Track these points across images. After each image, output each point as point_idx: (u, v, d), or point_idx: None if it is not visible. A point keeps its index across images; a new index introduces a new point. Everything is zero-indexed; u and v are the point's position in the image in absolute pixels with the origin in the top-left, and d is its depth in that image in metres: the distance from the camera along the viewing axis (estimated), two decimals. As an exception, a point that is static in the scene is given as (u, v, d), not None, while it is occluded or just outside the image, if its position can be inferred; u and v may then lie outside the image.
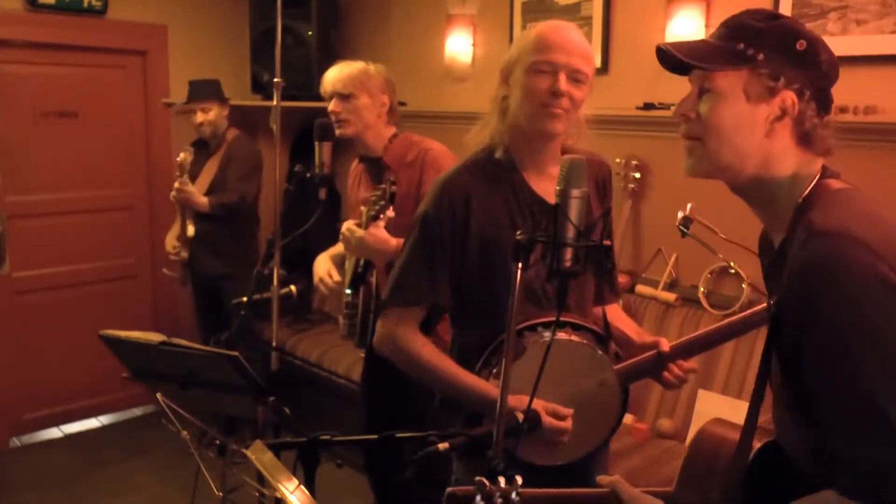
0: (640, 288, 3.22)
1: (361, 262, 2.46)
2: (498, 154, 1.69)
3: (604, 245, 1.25)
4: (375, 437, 1.39)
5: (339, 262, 2.67)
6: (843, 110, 2.59)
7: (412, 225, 1.72)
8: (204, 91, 3.73)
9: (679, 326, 3.04)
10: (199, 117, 3.72)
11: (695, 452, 1.30)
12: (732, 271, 2.92)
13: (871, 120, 2.57)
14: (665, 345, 1.69)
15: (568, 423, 1.56)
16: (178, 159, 3.55)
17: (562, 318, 1.61)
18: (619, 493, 1.23)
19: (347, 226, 2.30)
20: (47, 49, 3.98)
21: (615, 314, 1.87)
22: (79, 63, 4.13)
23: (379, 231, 2.19)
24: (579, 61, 1.62)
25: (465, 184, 1.68)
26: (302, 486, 1.21)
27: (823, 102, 1.14)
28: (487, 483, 1.06)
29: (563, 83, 1.60)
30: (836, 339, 1.02)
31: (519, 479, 1.07)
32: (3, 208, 3.87)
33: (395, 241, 2.21)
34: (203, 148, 3.81)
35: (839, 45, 2.66)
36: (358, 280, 2.48)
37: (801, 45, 1.12)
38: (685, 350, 1.70)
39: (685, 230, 2.61)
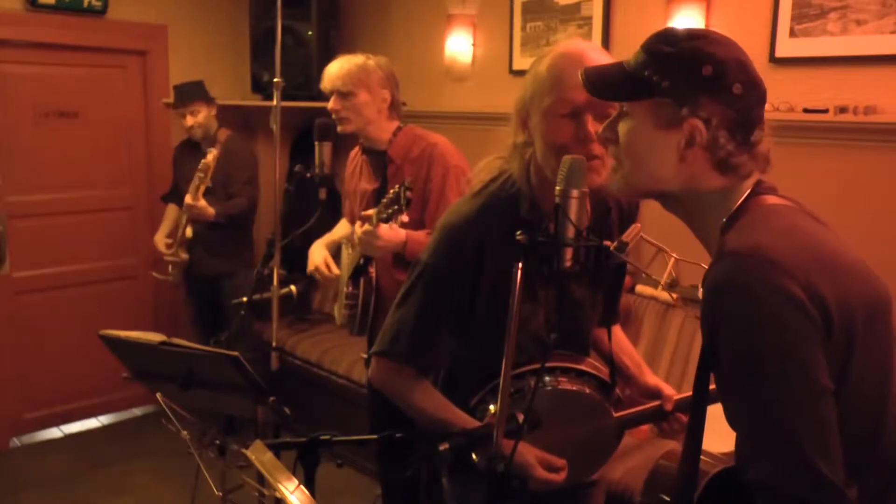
0: (640, 288, 3.22)
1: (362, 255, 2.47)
2: (524, 206, 1.47)
3: (604, 245, 1.24)
4: (375, 437, 1.39)
5: (333, 251, 2.67)
6: (843, 110, 2.59)
7: (414, 271, 1.53)
8: (189, 94, 3.70)
9: (679, 326, 3.04)
10: (189, 121, 3.68)
11: (650, 486, 1.25)
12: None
13: (871, 120, 2.57)
14: (669, 403, 1.64)
15: (561, 476, 1.47)
16: (207, 160, 3.40)
17: (566, 365, 1.54)
18: None
19: (364, 230, 2.24)
20: (47, 49, 3.97)
21: (616, 340, 1.73)
22: (79, 63, 4.12)
23: (393, 229, 2.19)
24: None
25: (479, 232, 1.47)
26: (302, 486, 1.21)
27: (742, 127, 1.08)
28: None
29: (590, 126, 1.35)
30: (740, 361, 0.99)
31: None
32: (3, 208, 3.87)
33: (404, 234, 2.24)
34: (194, 149, 3.79)
35: (839, 45, 2.66)
36: (359, 272, 2.49)
37: (706, 70, 1.06)
38: (686, 405, 1.66)
39: (620, 254, 2.59)
